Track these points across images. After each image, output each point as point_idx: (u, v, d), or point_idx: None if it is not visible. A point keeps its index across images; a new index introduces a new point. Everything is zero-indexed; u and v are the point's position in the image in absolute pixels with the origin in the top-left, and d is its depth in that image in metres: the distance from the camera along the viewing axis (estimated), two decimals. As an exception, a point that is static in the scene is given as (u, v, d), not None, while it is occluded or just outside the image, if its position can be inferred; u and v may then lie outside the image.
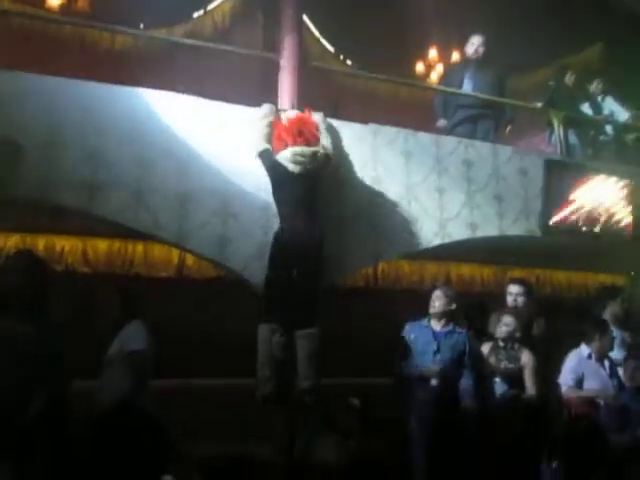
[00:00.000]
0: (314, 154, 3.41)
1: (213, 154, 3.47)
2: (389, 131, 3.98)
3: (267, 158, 3.41)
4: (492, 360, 3.65)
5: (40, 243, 4.21)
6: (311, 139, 3.48)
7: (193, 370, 4.12)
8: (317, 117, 3.66)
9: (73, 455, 1.28)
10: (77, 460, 1.27)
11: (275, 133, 3.48)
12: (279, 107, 3.67)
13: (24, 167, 3.01)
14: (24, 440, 2.34)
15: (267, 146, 3.43)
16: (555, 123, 4.85)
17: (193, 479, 1.91)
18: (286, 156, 3.38)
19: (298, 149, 3.39)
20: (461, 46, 5.53)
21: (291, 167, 3.35)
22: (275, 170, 3.39)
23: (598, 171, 4.55)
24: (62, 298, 3.34)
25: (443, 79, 5.44)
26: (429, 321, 3.68)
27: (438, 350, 3.54)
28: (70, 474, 1.19)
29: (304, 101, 3.74)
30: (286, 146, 3.42)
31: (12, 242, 4.19)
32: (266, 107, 3.58)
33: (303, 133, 3.45)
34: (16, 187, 3.01)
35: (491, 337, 3.81)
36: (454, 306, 3.70)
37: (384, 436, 3.77)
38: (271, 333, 3.17)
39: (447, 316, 3.67)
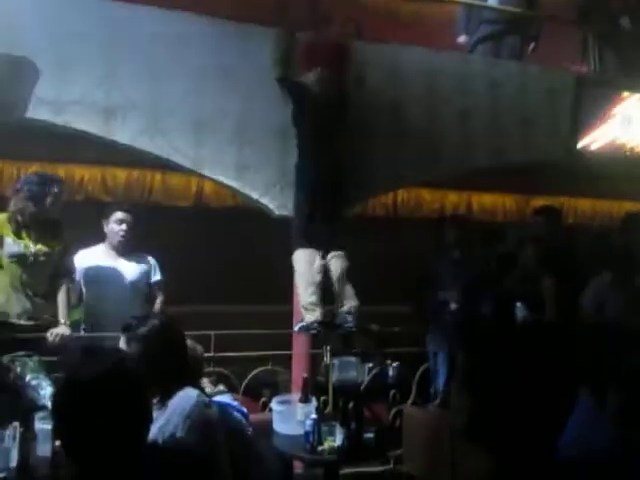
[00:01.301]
0: (340, 80, 3.22)
1: (228, 77, 3.35)
2: (412, 51, 3.80)
3: (286, 82, 3.23)
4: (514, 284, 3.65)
5: (60, 172, 4.21)
6: (333, 60, 3.25)
7: (209, 297, 4.20)
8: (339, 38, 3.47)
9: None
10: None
11: (297, 56, 3.26)
12: (295, 26, 3.49)
13: (40, 89, 2.95)
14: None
15: (285, 70, 3.25)
16: (589, 38, 4.52)
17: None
18: (311, 79, 3.20)
19: (325, 73, 3.19)
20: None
21: (315, 90, 3.18)
22: (297, 94, 3.20)
23: (635, 89, 4.27)
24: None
25: None
26: (447, 249, 3.72)
27: (457, 275, 3.58)
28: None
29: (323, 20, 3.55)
30: (309, 70, 3.23)
31: (32, 171, 4.20)
32: (281, 27, 3.39)
33: (324, 55, 3.22)
34: (33, 110, 2.97)
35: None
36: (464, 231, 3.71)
37: (402, 361, 3.87)
38: (311, 257, 3.09)
39: (462, 243, 3.68)
